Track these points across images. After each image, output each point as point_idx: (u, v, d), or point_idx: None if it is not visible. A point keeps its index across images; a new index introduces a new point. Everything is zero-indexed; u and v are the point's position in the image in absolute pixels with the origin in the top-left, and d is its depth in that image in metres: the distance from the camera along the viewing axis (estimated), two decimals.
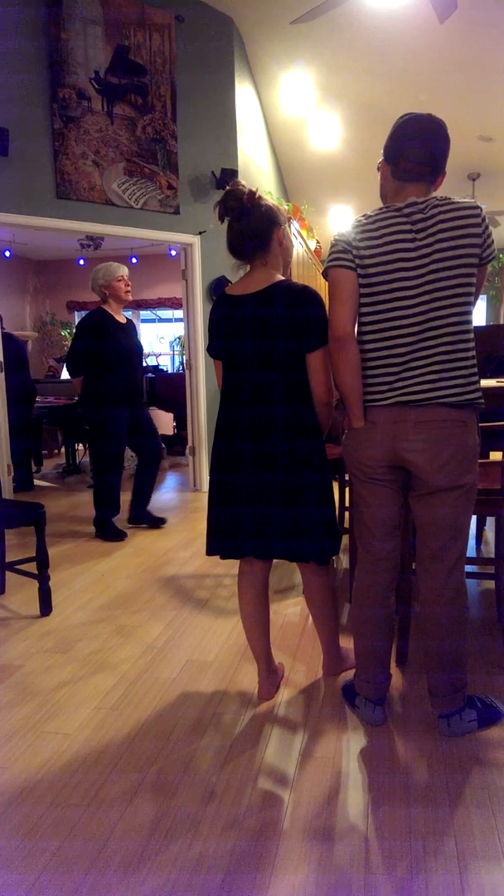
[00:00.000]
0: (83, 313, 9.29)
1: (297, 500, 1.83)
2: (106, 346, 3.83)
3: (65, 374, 6.89)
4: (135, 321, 9.86)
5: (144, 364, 9.69)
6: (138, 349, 4.11)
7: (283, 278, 1.84)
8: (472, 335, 1.68)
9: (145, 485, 4.23)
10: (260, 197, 1.83)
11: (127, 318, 4.08)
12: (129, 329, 4.05)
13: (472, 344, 1.67)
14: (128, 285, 3.99)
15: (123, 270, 3.98)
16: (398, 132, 1.70)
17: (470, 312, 1.67)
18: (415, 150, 1.67)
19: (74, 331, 3.99)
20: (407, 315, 1.65)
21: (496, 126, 6.64)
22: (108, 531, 4.01)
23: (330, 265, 1.72)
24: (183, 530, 4.17)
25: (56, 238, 7.92)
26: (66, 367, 4.00)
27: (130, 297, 4.00)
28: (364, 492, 1.81)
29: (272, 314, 1.78)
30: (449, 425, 1.64)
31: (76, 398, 4.21)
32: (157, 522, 4.28)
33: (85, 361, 3.88)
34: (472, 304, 1.68)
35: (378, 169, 1.80)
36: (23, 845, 1.44)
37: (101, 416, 3.89)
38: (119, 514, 4.12)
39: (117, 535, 4.01)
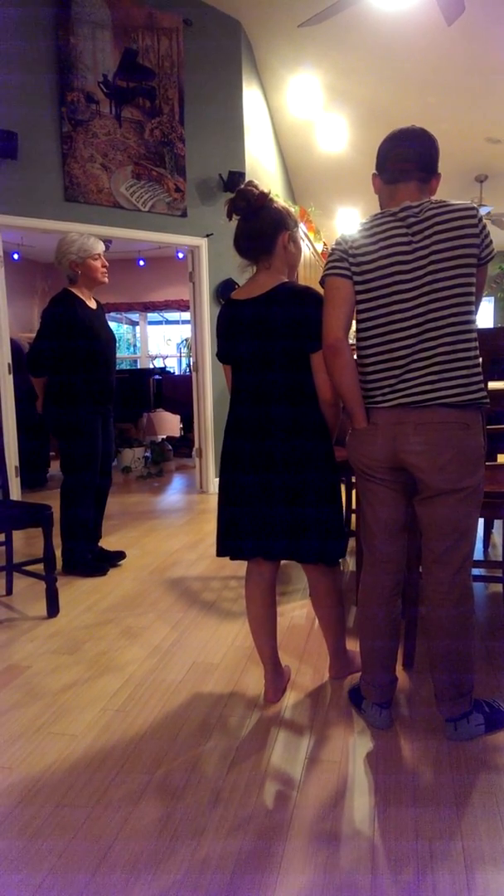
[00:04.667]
0: None
1: (298, 499, 1.83)
2: (81, 343, 3.18)
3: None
4: (142, 323, 9.90)
5: (151, 366, 9.77)
6: (114, 341, 3.42)
7: (286, 281, 1.85)
8: (474, 335, 1.68)
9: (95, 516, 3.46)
10: (271, 199, 1.84)
11: (97, 302, 3.41)
12: (102, 315, 3.38)
13: (474, 344, 1.67)
14: (105, 265, 3.28)
15: (101, 246, 3.28)
16: (384, 142, 1.77)
17: (472, 312, 1.67)
18: (397, 150, 1.72)
19: (40, 321, 3.27)
20: (406, 317, 1.66)
21: None
22: (81, 565, 3.33)
23: (326, 274, 1.76)
24: (189, 532, 4.18)
25: None
26: (29, 366, 3.31)
27: (107, 280, 3.31)
28: (367, 492, 1.82)
29: (273, 314, 1.79)
30: (449, 427, 1.64)
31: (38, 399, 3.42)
32: (114, 559, 3.49)
33: (53, 360, 3.23)
34: (475, 304, 1.68)
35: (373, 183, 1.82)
36: (28, 846, 1.45)
37: (71, 416, 3.23)
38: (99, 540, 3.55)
39: (94, 570, 3.33)
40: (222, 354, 1.94)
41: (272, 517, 1.84)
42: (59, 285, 3.33)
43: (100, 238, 3.33)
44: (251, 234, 1.84)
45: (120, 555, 3.51)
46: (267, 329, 1.80)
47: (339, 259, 1.73)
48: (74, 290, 3.26)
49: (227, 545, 1.93)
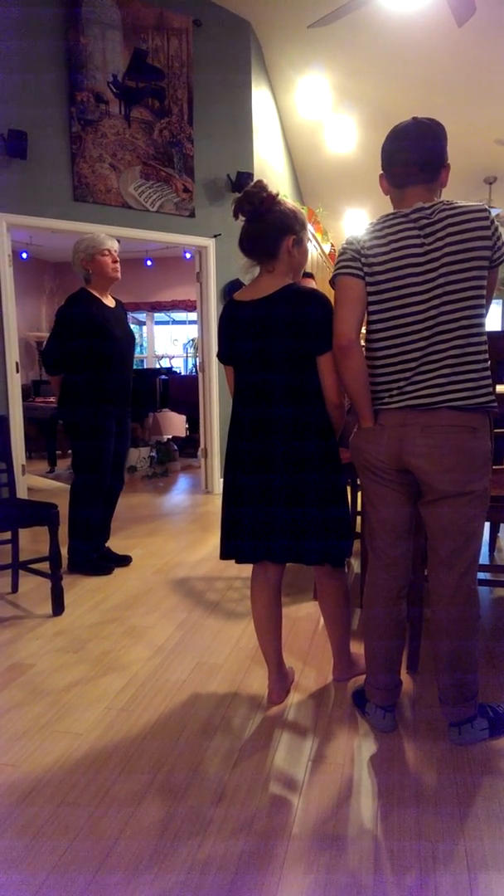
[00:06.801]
0: None
1: (299, 500, 1.83)
2: (94, 342, 3.15)
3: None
4: (149, 323, 9.91)
5: (157, 366, 9.78)
6: (131, 341, 3.41)
7: (290, 282, 1.84)
8: (484, 338, 1.67)
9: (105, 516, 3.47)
10: (278, 202, 1.82)
11: (116, 301, 3.39)
12: (121, 314, 3.36)
13: (484, 347, 1.66)
14: (115, 261, 3.26)
15: (111, 243, 3.25)
16: (385, 142, 1.75)
17: (482, 315, 1.67)
18: (401, 152, 1.70)
19: (55, 319, 3.27)
20: (417, 320, 1.65)
21: None
22: (87, 564, 3.34)
23: (337, 273, 1.73)
24: (194, 532, 4.18)
25: (72, 240, 7.97)
26: (44, 364, 3.32)
27: (118, 276, 3.28)
28: (371, 493, 1.81)
29: (274, 314, 1.78)
30: (456, 431, 1.64)
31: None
32: (119, 562, 3.49)
33: (67, 359, 3.21)
34: (485, 306, 1.67)
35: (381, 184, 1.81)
36: (31, 845, 1.45)
37: (82, 415, 3.21)
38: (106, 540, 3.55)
39: (99, 569, 3.34)
40: (224, 355, 1.94)
41: (273, 518, 1.84)
42: (68, 285, 3.38)
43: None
44: (255, 236, 1.83)
45: (126, 559, 3.52)
46: (270, 329, 1.79)
47: (352, 258, 1.70)
48: (90, 289, 3.26)
49: (230, 546, 1.93)
